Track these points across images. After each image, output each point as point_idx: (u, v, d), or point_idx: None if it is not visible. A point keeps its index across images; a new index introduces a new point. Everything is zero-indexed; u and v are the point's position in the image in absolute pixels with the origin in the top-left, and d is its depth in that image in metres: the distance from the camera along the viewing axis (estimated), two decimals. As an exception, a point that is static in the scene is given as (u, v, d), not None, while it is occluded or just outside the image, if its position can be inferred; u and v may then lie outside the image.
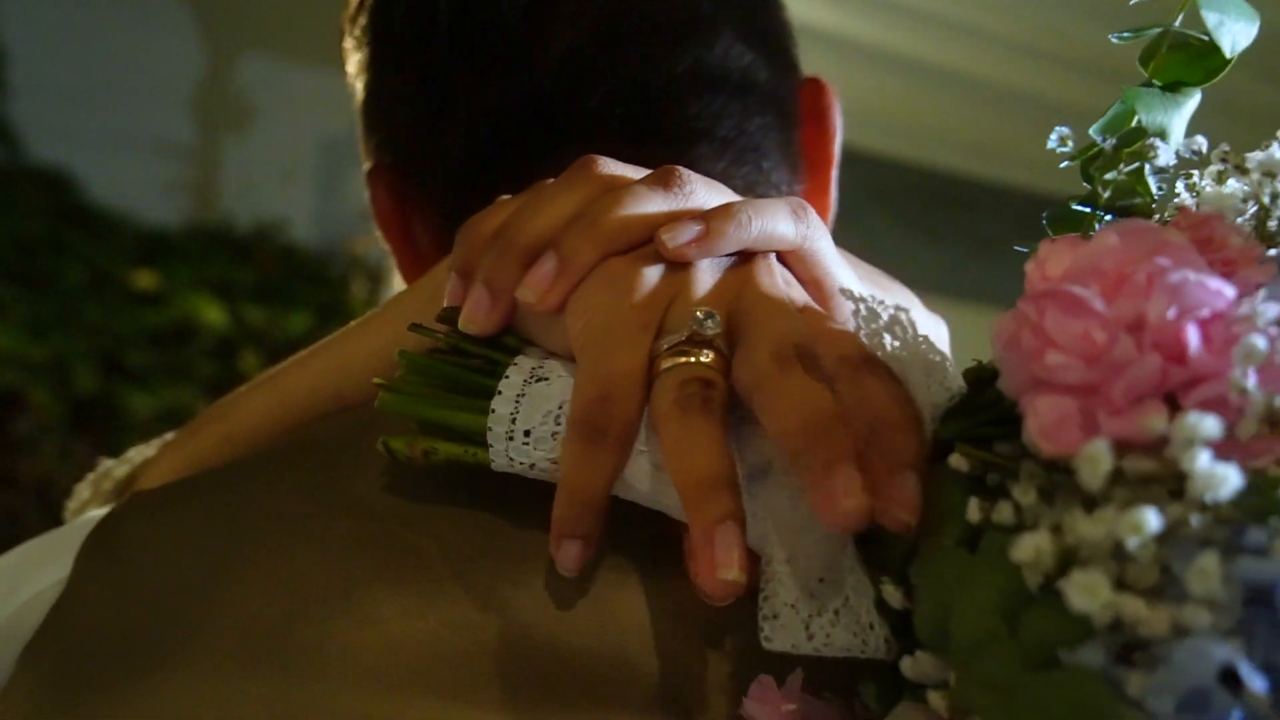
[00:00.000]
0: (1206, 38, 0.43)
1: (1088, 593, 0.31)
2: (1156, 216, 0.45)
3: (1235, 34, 0.42)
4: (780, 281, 0.49)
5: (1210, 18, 0.42)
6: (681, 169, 0.51)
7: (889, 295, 0.56)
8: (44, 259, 2.81)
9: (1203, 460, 0.30)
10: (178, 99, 3.29)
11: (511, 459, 0.47)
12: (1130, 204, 0.44)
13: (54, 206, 2.93)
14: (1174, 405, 0.34)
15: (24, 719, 0.50)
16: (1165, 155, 0.43)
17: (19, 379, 2.64)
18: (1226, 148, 0.42)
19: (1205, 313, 0.34)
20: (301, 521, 0.51)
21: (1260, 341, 0.32)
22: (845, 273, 0.52)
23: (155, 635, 0.49)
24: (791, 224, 0.50)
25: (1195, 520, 0.31)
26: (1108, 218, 0.44)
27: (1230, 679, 0.30)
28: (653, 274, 0.48)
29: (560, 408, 0.47)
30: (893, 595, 0.42)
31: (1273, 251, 0.41)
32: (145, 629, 0.49)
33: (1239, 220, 0.42)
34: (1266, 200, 0.40)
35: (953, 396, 0.44)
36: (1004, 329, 0.36)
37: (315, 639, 0.46)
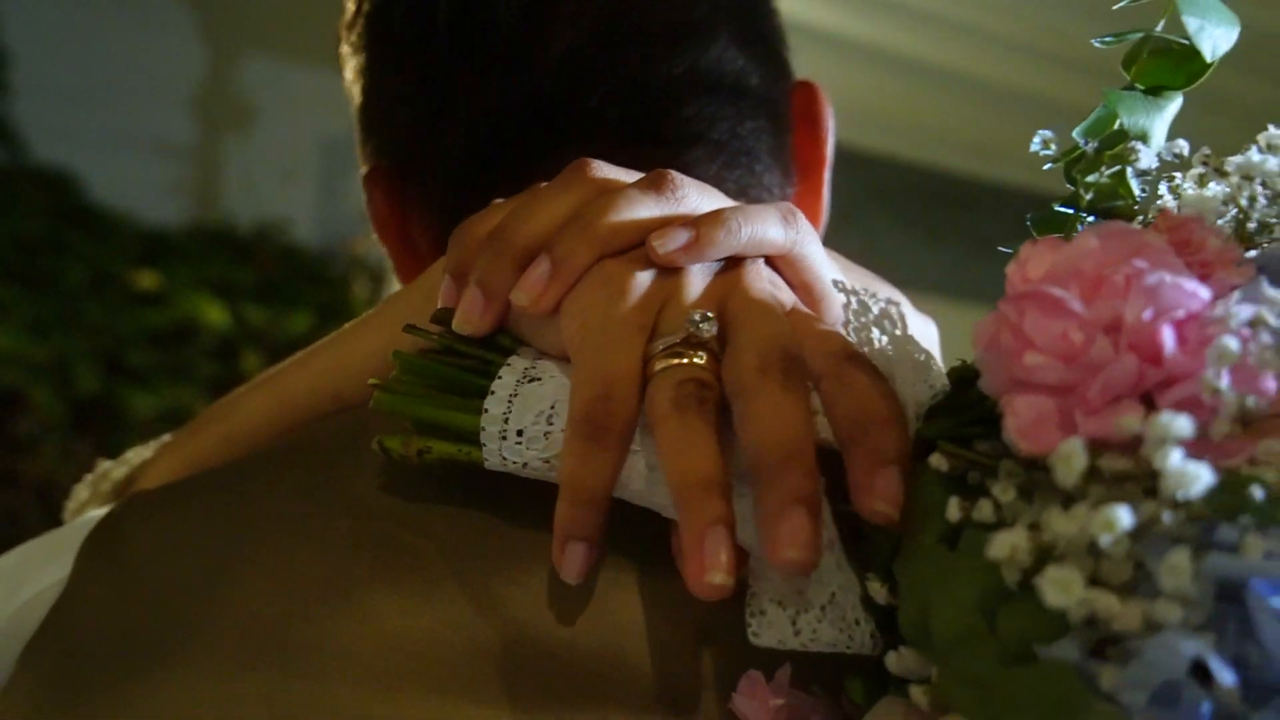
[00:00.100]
0: (1187, 42, 0.43)
1: (1062, 589, 0.31)
2: (1140, 218, 0.45)
3: (1216, 39, 0.43)
4: (768, 285, 0.50)
5: (1191, 23, 0.42)
6: (674, 173, 0.51)
7: (876, 291, 0.57)
8: (45, 259, 2.81)
9: (1175, 459, 0.31)
10: (179, 99, 3.29)
11: (505, 458, 0.48)
12: (1112, 206, 0.44)
13: (55, 206, 2.94)
14: (1150, 405, 0.35)
15: (26, 717, 0.51)
16: (1146, 158, 0.44)
17: (20, 379, 2.65)
18: (1207, 150, 0.43)
19: (1181, 314, 0.34)
20: (301, 521, 0.51)
21: (1232, 343, 0.33)
22: (835, 275, 0.53)
23: (155, 634, 0.49)
24: (781, 229, 0.50)
25: (1168, 517, 0.31)
26: (1090, 219, 0.45)
27: (1201, 673, 0.30)
28: (646, 277, 0.48)
29: (553, 408, 0.48)
30: (878, 592, 0.42)
31: (1252, 253, 0.42)
32: (145, 628, 0.50)
33: (1220, 222, 0.42)
34: (1244, 203, 0.40)
35: (936, 395, 0.44)
36: (984, 330, 0.37)
37: (314, 638, 0.47)
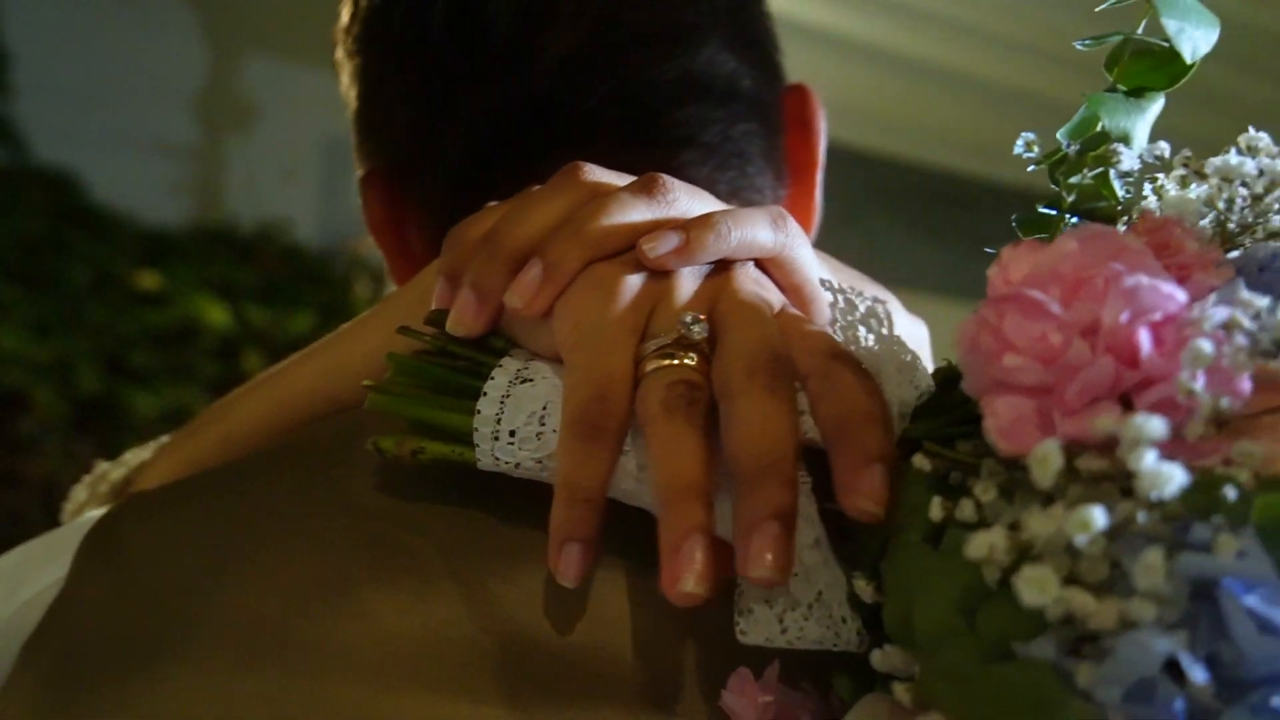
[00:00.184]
0: (1168, 44, 0.43)
1: (1038, 588, 0.32)
2: (1125, 219, 0.46)
3: (1195, 40, 0.43)
4: (757, 287, 0.50)
5: (1170, 25, 0.42)
6: (665, 176, 0.52)
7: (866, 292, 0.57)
8: (47, 259, 2.81)
9: (1149, 460, 0.31)
10: (180, 99, 3.29)
11: (497, 458, 0.48)
12: (1095, 207, 0.45)
13: (57, 207, 2.94)
14: (1128, 406, 0.35)
15: (24, 716, 0.51)
16: (1128, 160, 0.44)
17: (22, 379, 2.65)
18: (1188, 152, 0.43)
19: (1158, 316, 0.35)
20: (299, 521, 0.52)
21: (1206, 345, 0.33)
22: (824, 276, 0.54)
23: (154, 633, 0.50)
24: (770, 233, 0.51)
25: (1142, 517, 0.32)
26: (1074, 220, 0.45)
27: (1174, 670, 0.31)
28: (637, 279, 0.49)
29: (545, 408, 0.48)
30: (864, 590, 0.43)
31: (1235, 254, 0.42)
32: (144, 627, 0.50)
33: (1202, 223, 0.43)
34: (1222, 205, 0.41)
35: (922, 395, 0.45)
36: (965, 332, 0.37)
37: (313, 636, 0.47)
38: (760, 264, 0.52)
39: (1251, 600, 0.30)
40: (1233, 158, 0.42)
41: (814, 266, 0.53)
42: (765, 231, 0.51)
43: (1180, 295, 0.35)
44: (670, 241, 0.49)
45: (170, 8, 3.25)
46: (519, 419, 0.48)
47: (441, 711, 0.45)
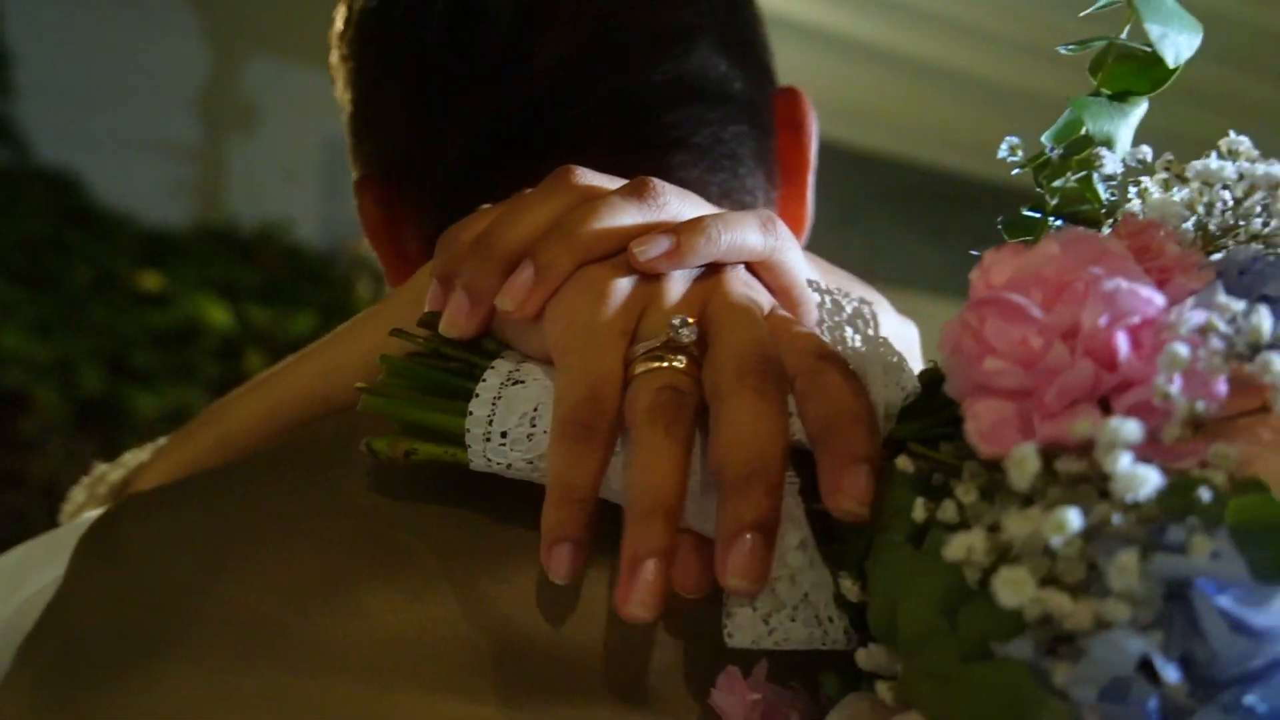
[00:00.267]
0: (1151, 49, 0.44)
1: (1014, 588, 0.32)
2: (1110, 221, 0.46)
3: (1178, 45, 0.43)
4: (747, 290, 0.51)
5: (1153, 30, 0.43)
6: (655, 180, 0.52)
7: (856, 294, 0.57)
8: (49, 260, 2.82)
9: (1124, 462, 0.32)
10: (182, 100, 3.30)
11: (489, 459, 0.48)
12: (1079, 210, 0.45)
13: (59, 207, 2.94)
14: (1108, 409, 0.35)
15: (22, 715, 0.51)
16: (1111, 163, 0.45)
17: (25, 379, 2.66)
18: (1170, 156, 0.44)
19: (1136, 320, 0.35)
20: (296, 520, 0.52)
21: (1182, 349, 0.34)
22: (819, 280, 0.54)
23: (152, 630, 0.50)
24: (760, 236, 0.51)
25: (1117, 519, 0.32)
26: (1058, 223, 0.46)
27: (1149, 669, 0.31)
28: (627, 282, 0.49)
29: (536, 409, 0.48)
30: (850, 590, 0.43)
31: (1218, 256, 0.43)
32: (142, 625, 0.51)
33: (1185, 225, 0.43)
34: (1201, 209, 0.41)
35: (908, 396, 0.45)
36: (948, 335, 0.38)
37: (309, 634, 0.48)
38: (750, 267, 0.53)
39: (1224, 601, 0.31)
40: (1213, 161, 0.42)
41: (803, 269, 0.53)
42: (755, 235, 0.51)
43: (1159, 299, 0.36)
44: (661, 245, 0.49)
45: (172, 8, 3.26)
46: (510, 420, 0.48)
47: (436, 709, 0.46)
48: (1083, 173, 0.45)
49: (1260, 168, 0.42)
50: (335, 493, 0.53)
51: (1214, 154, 0.43)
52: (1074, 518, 0.32)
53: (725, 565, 0.42)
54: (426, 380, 0.52)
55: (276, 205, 3.26)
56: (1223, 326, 0.34)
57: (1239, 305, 0.35)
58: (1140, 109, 0.46)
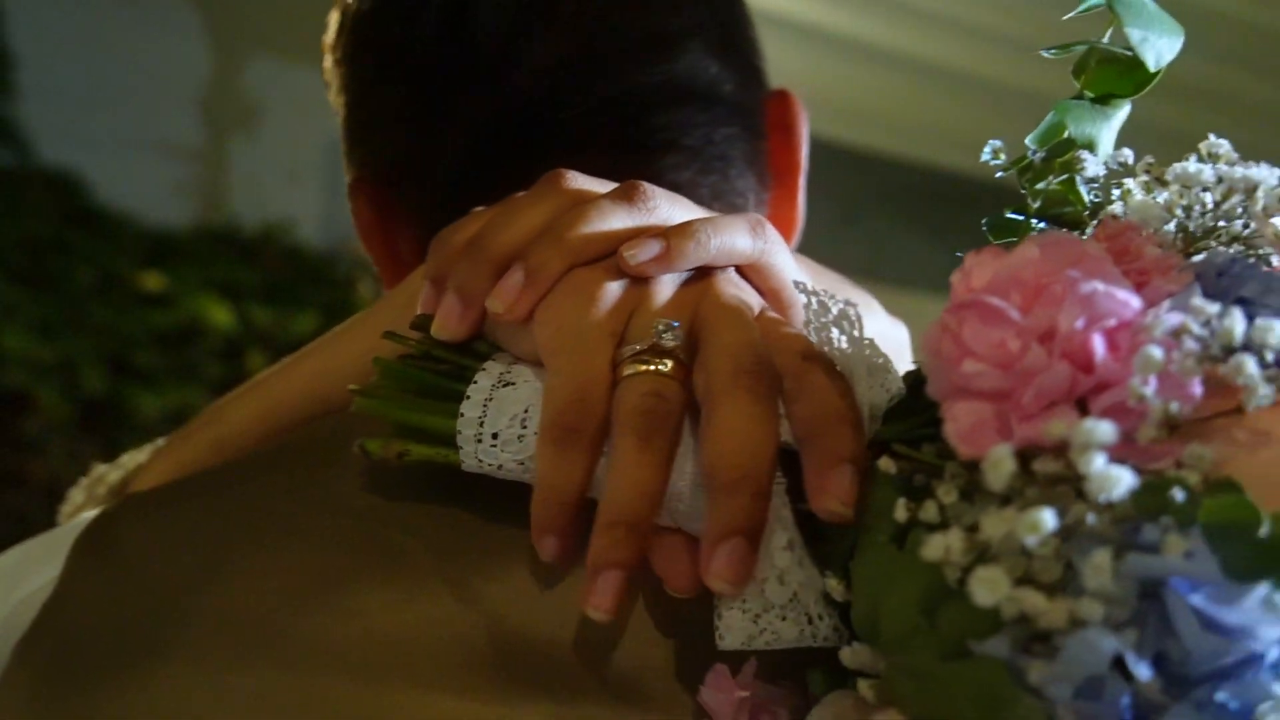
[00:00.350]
0: (1132, 52, 0.44)
1: (989, 587, 0.33)
2: (1094, 223, 0.46)
3: (1159, 49, 0.44)
4: (738, 291, 0.51)
5: (1134, 34, 0.43)
6: (645, 184, 0.53)
7: (846, 296, 0.58)
8: (52, 260, 2.82)
9: (1098, 463, 0.32)
10: (185, 101, 3.31)
11: (480, 460, 0.49)
12: (1062, 212, 0.45)
13: (62, 208, 2.95)
14: (1085, 410, 0.36)
15: (20, 712, 0.52)
16: (1093, 166, 0.45)
17: (27, 380, 2.66)
18: (1151, 160, 0.44)
19: (1112, 322, 0.36)
20: (291, 520, 0.53)
21: (1156, 351, 0.34)
22: (806, 281, 0.54)
23: (149, 629, 0.51)
24: (749, 239, 0.52)
25: (1092, 519, 0.33)
26: (1041, 225, 0.46)
27: (1123, 667, 0.32)
28: (616, 285, 0.50)
29: (526, 411, 0.49)
30: (835, 589, 0.44)
31: (1199, 257, 0.43)
32: (139, 623, 0.51)
33: (1167, 227, 0.44)
34: (1179, 212, 0.41)
35: (893, 398, 0.46)
36: (929, 337, 0.38)
37: (303, 633, 0.48)
38: (740, 269, 0.53)
39: (1197, 599, 0.31)
40: (1191, 164, 0.43)
41: (792, 271, 0.54)
42: (744, 238, 0.52)
43: (1135, 301, 0.36)
44: (651, 249, 0.49)
45: (174, 9, 3.26)
46: (501, 421, 0.49)
47: (431, 707, 0.46)
48: (1065, 175, 0.45)
49: (1238, 171, 0.42)
50: (330, 493, 0.53)
51: (1194, 156, 0.43)
52: (1048, 518, 0.32)
53: (709, 567, 0.43)
54: (419, 382, 0.52)
55: (278, 205, 3.26)
56: (1197, 329, 0.35)
57: (1214, 308, 0.35)
58: (1123, 112, 0.46)
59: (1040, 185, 0.45)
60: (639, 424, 0.45)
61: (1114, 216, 0.44)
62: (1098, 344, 0.35)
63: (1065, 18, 0.45)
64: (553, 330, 0.49)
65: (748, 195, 0.70)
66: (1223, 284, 0.40)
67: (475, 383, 0.50)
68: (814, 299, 0.50)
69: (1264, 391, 0.34)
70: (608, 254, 0.51)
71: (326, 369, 0.61)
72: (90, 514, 0.60)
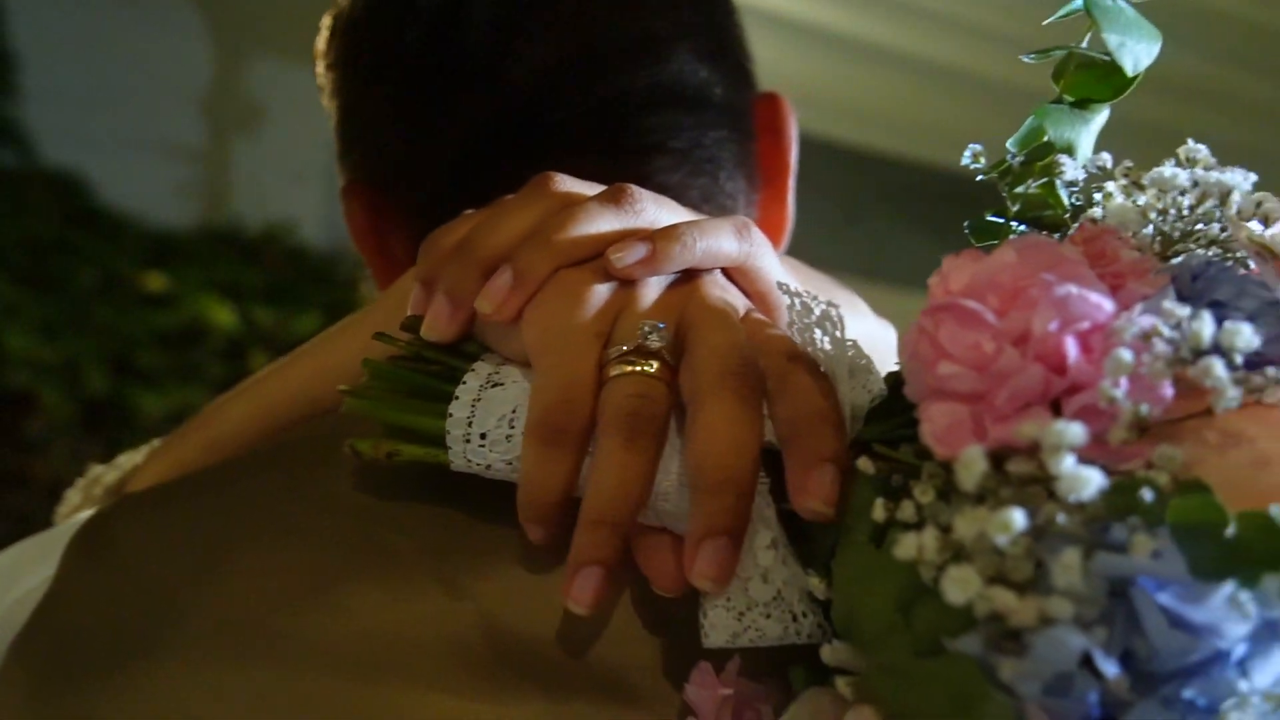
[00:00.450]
0: (1110, 57, 0.45)
1: (960, 585, 0.33)
2: (1075, 226, 0.47)
3: (1137, 54, 0.44)
4: (723, 294, 0.51)
5: (1111, 39, 0.44)
6: (632, 187, 0.53)
7: (833, 298, 0.58)
8: (55, 261, 2.83)
9: (1068, 464, 0.33)
10: (187, 101, 3.31)
11: (469, 460, 0.49)
12: (1042, 215, 0.46)
13: (65, 209, 2.95)
14: (1059, 412, 0.36)
15: (16, 710, 0.52)
16: (1072, 170, 0.45)
17: (31, 380, 2.67)
18: (1129, 164, 0.45)
19: (1086, 325, 0.36)
20: (283, 520, 0.53)
21: (1126, 354, 0.34)
22: (789, 283, 0.55)
23: (144, 627, 0.51)
24: (735, 242, 0.52)
25: (1062, 519, 0.33)
26: (1022, 228, 0.46)
27: (1092, 664, 0.32)
28: (603, 287, 0.50)
29: (514, 411, 0.49)
30: (818, 587, 0.44)
31: (1179, 259, 0.44)
32: (134, 621, 0.52)
33: (1146, 230, 0.44)
34: (1154, 216, 0.42)
35: (875, 399, 0.46)
36: (907, 339, 0.39)
37: (295, 631, 0.49)
38: (726, 271, 0.54)
39: (1164, 598, 0.32)
40: (1167, 169, 0.43)
41: (778, 273, 0.54)
42: (730, 241, 0.52)
43: (1108, 305, 0.37)
44: (637, 252, 0.50)
45: (176, 9, 3.27)
46: (489, 422, 0.49)
47: (422, 704, 0.47)
48: (1044, 179, 0.46)
49: (1213, 175, 0.42)
50: (324, 493, 0.54)
51: (1171, 161, 0.43)
52: (1019, 518, 0.33)
53: (693, 566, 0.44)
54: (409, 383, 0.53)
55: (281, 206, 3.26)
56: (1168, 332, 0.35)
57: (1184, 311, 0.36)
58: (1101, 116, 0.46)
59: (1020, 189, 0.46)
60: (624, 424, 0.46)
61: (1093, 220, 0.44)
62: (1071, 346, 0.36)
63: (1045, 23, 0.45)
64: (540, 331, 0.49)
65: (737, 197, 0.71)
66: (1197, 287, 0.40)
67: (464, 383, 0.51)
68: (797, 300, 0.50)
69: (1232, 394, 0.35)
70: (595, 256, 0.51)
71: (319, 370, 0.61)
72: (86, 514, 0.60)
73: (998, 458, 0.36)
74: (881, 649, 0.38)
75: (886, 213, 3.65)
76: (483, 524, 0.51)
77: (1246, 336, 0.35)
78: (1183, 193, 0.43)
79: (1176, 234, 0.43)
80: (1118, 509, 0.33)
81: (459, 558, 0.50)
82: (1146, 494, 0.33)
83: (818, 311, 0.49)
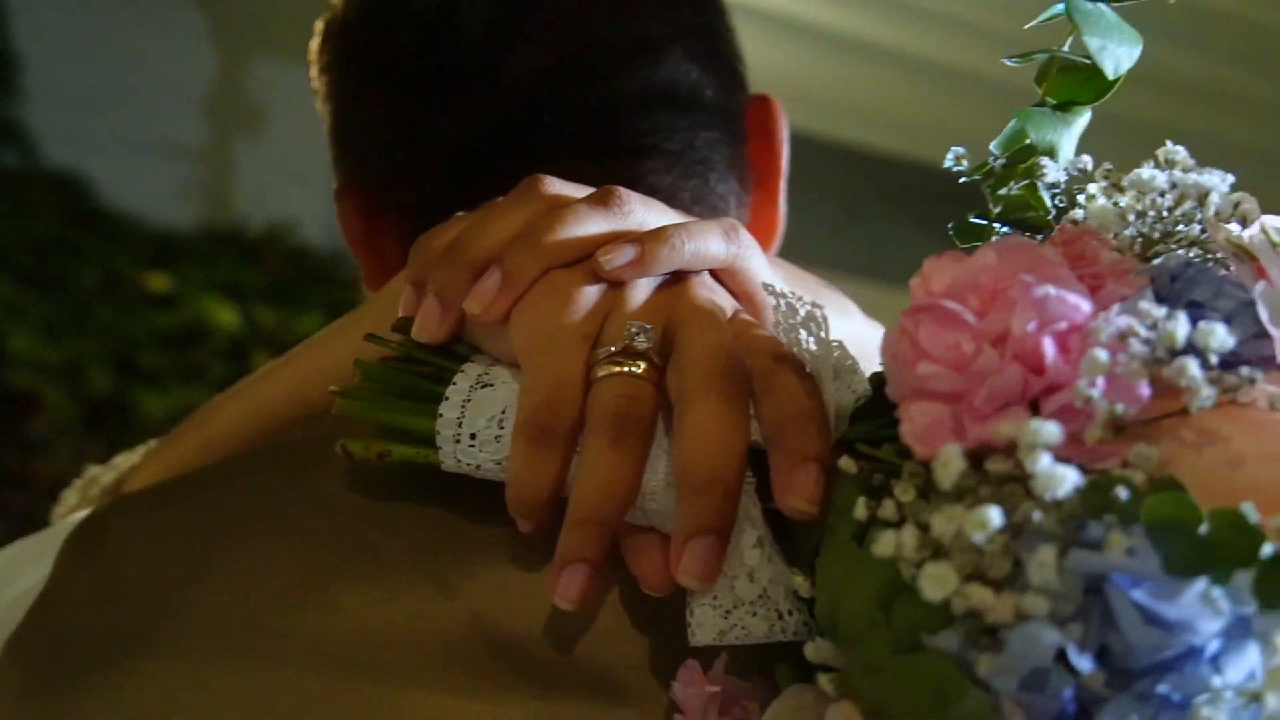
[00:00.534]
0: (1091, 60, 0.45)
1: (937, 582, 0.34)
2: (1057, 227, 0.47)
3: (1118, 57, 0.44)
4: (711, 295, 0.52)
5: (1092, 43, 0.44)
6: (621, 189, 0.53)
7: (820, 301, 0.59)
8: (57, 262, 2.83)
9: (1044, 462, 0.33)
10: (189, 102, 3.31)
11: (459, 460, 0.50)
12: (1024, 217, 0.46)
13: (67, 210, 2.96)
14: (1039, 411, 0.37)
15: (11, 707, 0.53)
16: (1053, 172, 0.46)
17: (33, 380, 2.67)
18: (1109, 166, 0.45)
19: (1063, 326, 0.37)
20: (275, 520, 0.54)
21: (1102, 354, 0.35)
22: (778, 285, 0.55)
23: (137, 625, 0.52)
24: (723, 244, 0.53)
25: (1037, 516, 0.34)
26: (1005, 230, 0.47)
27: (1068, 660, 0.33)
28: (592, 288, 0.51)
29: (503, 412, 0.50)
30: (802, 586, 0.45)
31: (1159, 260, 0.44)
32: (127, 619, 0.52)
33: (1128, 231, 0.44)
34: (1133, 218, 0.42)
35: (859, 399, 0.47)
36: (888, 341, 0.39)
37: (286, 629, 0.49)
38: (714, 273, 0.54)
39: (1139, 594, 0.32)
40: (1146, 171, 0.44)
41: (766, 275, 0.55)
42: (717, 243, 0.53)
43: (1086, 305, 0.37)
44: (625, 254, 0.50)
45: (178, 10, 3.27)
46: (479, 422, 0.50)
47: (411, 702, 0.47)
48: (1027, 181, 0.46)
49: (1191, 177, 0.43)
50: (314, 493, 0.54)
51: (1148, 164, 0.44)
52: (994, 515, 0.33)
53: (679, 564, 0.45)
54: (399, 384, 0.53)
55: (283, 206, 3.27)
56: (1144, 332, 0.36)
57: (1160, 311, 0.36)
58: (1083, 118, 0.47)
59: (1002, 191, 0.46)
60: (611, 424, 0.46)
61: (1074, 221, 0.45)
62: (1048, 347, 0.36)
63: (1027, 26, 0.46)
64: (528, 332, 0.50)
65: (729, 199, 0.71)
66: (1176, 288, 0.41)
67: (454, 384, 0.51)
68: (782, 301, 0.51)
69: (1206, 393, 0.35)
70: (584, 258, 0.52)
71: (312, 371, 0.62)
72: (82, 514, 0.61)
73: (977, 457, 0.36)
74: (862, 646, 0.38)
75: (888, 212, 3.65)
76: (473, 524, 0.51)
77: (1220, 337, 0.35)
78: (1161, 194, 0.43)
79: (1156, 235, 0.43)
80: (1094, 507, 0.34)
81: (449, 557, 0.51)
82: (1122, 492, 0.33)
83: (803, 312, 0.50)
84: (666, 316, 0.50)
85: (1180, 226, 0.44)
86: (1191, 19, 2.75)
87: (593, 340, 0.49)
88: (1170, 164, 0.44)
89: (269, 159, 3.35)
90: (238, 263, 3.11)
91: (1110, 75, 0.45)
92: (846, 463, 0.42)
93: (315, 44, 0.76)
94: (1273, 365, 0.38)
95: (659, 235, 0.51)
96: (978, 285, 0.39)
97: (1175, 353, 0.35)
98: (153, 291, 2.93)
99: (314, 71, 0.76)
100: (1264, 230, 0.40)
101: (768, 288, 0.53)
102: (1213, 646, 0.33)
